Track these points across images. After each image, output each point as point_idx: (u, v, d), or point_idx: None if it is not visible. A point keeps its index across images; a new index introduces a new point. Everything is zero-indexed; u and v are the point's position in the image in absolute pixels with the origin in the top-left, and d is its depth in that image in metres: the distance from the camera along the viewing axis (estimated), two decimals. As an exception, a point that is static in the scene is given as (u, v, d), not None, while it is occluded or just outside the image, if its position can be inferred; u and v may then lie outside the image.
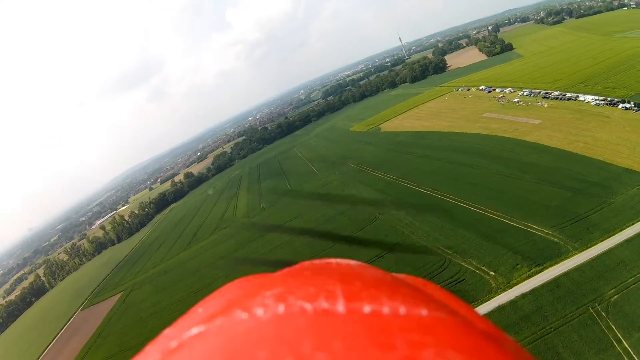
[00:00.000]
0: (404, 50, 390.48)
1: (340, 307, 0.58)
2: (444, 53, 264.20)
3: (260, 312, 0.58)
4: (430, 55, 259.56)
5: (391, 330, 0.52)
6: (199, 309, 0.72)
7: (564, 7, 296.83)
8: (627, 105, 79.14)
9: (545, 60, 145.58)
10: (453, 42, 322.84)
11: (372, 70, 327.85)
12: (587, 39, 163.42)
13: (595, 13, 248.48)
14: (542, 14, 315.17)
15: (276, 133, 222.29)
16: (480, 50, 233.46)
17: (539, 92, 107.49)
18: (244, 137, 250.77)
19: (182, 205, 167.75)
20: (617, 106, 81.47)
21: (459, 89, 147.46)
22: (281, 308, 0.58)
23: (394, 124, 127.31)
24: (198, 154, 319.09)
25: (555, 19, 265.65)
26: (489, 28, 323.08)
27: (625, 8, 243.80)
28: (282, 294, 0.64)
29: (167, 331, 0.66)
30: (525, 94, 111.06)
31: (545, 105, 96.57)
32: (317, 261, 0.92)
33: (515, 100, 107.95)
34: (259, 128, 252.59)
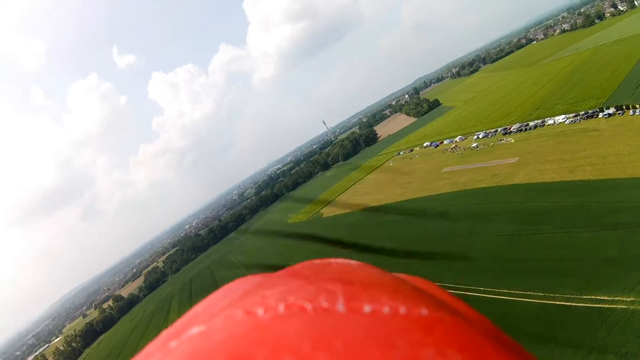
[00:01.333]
0: (330, 134, 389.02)
1: (341, 306, 0.59)
2: (371, 125, 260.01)
3: (260, 311, 0.59)
4: (358, 130, 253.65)
5: (391, 330, 0.53)
6: (199, 309, 0.74)
7: (475, 57, 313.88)
8: (610, 112, 71.45)
9: (483, 102, 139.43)
10: (377, 114, 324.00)
11: (302, 158, 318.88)
12: (515, 74, 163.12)
13: (507, 54, 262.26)
14: (454, 70, 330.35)
15: (209, 239, 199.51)
16: (408, 114, 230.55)
17: (496, 131, 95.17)
18: (177, 248, 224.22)
19: (111, 335, 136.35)
20: (597, 117, 73.38)
21: (401, 152, 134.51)
22: (281, 308, 0.59)
23: (338, 205, 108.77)
24: (134, 270, 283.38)
25: (470, 70, 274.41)
26: (408, 94, 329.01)
27: (534, 42, 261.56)
28: (282, 294, 0.64)
29: (167, 331, 0.67)
30: (480, 136, 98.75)
31: (512, 141, 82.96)
32: (317, 261, 0.92)
33: (474, 145, 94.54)
34: (192, 236, 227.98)
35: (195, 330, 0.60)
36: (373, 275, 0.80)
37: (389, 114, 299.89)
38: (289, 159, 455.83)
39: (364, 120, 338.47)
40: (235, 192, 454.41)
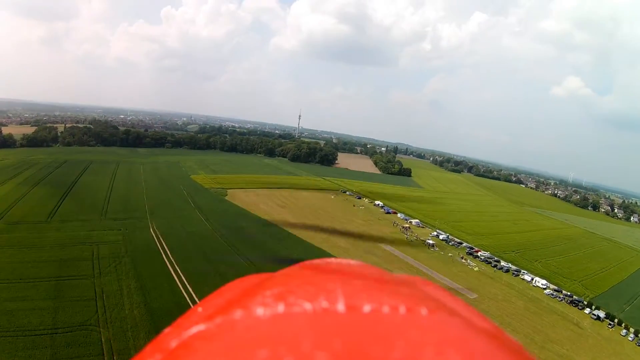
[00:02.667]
0: (296, 131, 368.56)
1: (340, 306, 0.59)
2: (337, 149, 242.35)
3: (260, 311, 0.59)
4: (322, 144, 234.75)
5: (391, 330, 0.53)
6: (199, 308, 0.73)
7: (462, 160, 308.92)
8: (600, 314, 58.58)
9: (455, 204, 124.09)
10: (348, 144, 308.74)
11: (258, 133, 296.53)
12: (496, 200, 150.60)
13: (494, 178, 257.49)
14: (438, 158, 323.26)
15: (120, 139, 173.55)
16: (376, 163, 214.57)
17: (461, 243, 78.38)
18: (88, 126, 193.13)
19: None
20: (581, 309, 60.40)
21: (347, 192, 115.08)
22: (281, 307, 0.59)
23: (249, 198, 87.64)
24: (36, 118, 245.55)
25: (454, 168, 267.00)
26: (386, 147, 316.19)
27: (523, 185, 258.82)
28: (282, 293, 0.64)
29: (167, 330, 0.67)
30: (441, 237, 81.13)
31: (476, 269, 65.53)
32: (317, 261, 0.93)
33: (429, 241, 75.85)
34: (110, 126, 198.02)
35: (195, 329, 0.61)
36: (373, 275, 0.81)
37: (359, 151, 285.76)
38: (248, 125, 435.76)
39: (334, 140, 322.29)
40: (185, 119, 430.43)
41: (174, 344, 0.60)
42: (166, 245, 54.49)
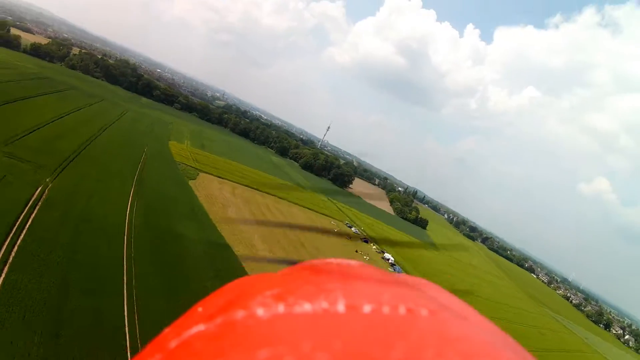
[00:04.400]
0: (321, 142, 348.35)
1: (341, 306, 0.58)
2: (355, 173, 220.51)
3: (260, 311, 0.59)
4: (340, 162, 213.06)
5: (391, 330, 0.53)
6: (199, 309, 0.73)
7: (478, 226, 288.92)
8: None
9: (470, 281, 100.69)
10: (368, 172, 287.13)
11: (283, 130, 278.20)
12: (515, 290, 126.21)
13: (507, 258, 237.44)
14: (453, 217, 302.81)
15: (129, 82, 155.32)
16: (391, 202, 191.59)
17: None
18: (104, 57, 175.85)
19: None
20: None
21: (353, 228, 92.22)
22: (281, 308, 0.59)
23: (220, 193, 64.85)
24: (58, 37, 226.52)
25: (469, 233, 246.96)
26: (406, 188, 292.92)
27: (533, 275, 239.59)
28: (282, 294, 0.64)
29: (167, 330, 0.66)
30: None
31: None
32: (317, 261, 0.93)
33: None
34: (125, 66, 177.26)
35: (195, 329, 0.60)
36: (373, 275, 0.80)
37: (376, 183, 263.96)
38: (275, 121, 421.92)
39: (355, 163, 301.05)
40: (217, 94, 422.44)
41: (174, 344, 0.59)
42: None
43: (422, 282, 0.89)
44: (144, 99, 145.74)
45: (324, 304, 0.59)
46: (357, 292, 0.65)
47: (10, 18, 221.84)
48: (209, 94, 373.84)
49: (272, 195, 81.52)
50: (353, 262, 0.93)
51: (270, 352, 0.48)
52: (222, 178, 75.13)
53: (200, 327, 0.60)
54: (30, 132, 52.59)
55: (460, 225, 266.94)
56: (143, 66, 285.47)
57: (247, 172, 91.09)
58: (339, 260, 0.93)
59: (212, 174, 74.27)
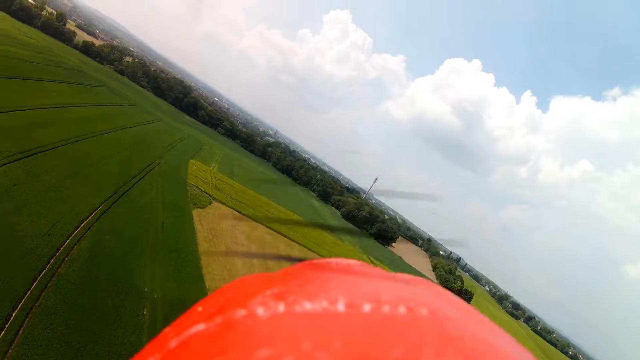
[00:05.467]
0: (366, 194, 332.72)
1: (341, 306, 0.58)
2: (399, 230, 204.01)
3: (260, 311, 0.59)
4: (385, 217, 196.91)
5: (391, 330, 0.53)
6: (199, 308, 0.73)
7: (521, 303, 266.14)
8: None
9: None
10: (411, 231, 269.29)
11: (330, 178, 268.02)
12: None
13: (551, 342, 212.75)
14: (495, 291, 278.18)
15: (175, 97, 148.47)
16: (434, 268, 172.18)
17: None
18: (156, 70, 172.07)
19: None
20: None
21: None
22: (281, 307, 0.59)
23: (229, 235, 49.03)
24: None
25: (512, 311, 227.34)
26: (449, 254, 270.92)
27: None
28: (282, 293, 0.64)
29: (167, 330, 0.67)
30: None
31: None
32: (317, 261, 0.92)
33: None
34: (176, 81, 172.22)
35: (195, 329, 0.60)
36: (373, 275, 0.80)
37: (419, 244, 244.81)
38: (324, 167, 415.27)
39: (399, 220, 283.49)
40: (270, 131, 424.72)
41: (173, 343, 0.60)
42: None
43: (422, 281, 0.88)
44: (186, 117, 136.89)
45: (324, 304, 0.59)
46: (357, 291, 0.65)
47: (81, 21, 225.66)
48: (261, 129, 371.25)
49: (300, 244, 64.84)
50: (353, 262, 0.92)
51: (270, 351, 0.47)
52: (241, 213, 59.11)
53: (200, 327, 0.60)
54: (9, 111, 41.27)
55: (503, 300, 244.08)
56: (200, 91, 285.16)
57: (277, 211, 77.03)
58: (338, 260, 0.92)
59: (228, 206, 59.02)
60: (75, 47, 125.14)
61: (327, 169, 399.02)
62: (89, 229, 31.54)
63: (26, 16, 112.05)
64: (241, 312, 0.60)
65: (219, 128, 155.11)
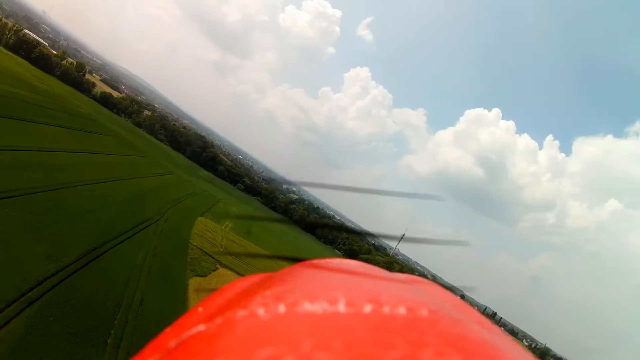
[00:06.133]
0: (393, 250, 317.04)
1: (341, 306, 0.58)
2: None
3: (260, 311, 0.59)
4: (415, 273, 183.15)
5: (391, 330, 0.53)
6: (199, 309, 0.74)
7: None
8: None
9: None
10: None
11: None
12: None
13: None
14: (534, 345, 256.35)
15: (193, 152, 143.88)
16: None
17: None
18: (174, 124, 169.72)
19: None
20: None
21: None
22: (281, 307, 0.59)
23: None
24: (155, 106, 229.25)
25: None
26: (486, 308, 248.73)
27: None
28: (283, 293, 0.64)
29: (167, 330, 0.67)
30: None
31: None
32: (317, 261, 0.92)
33: None
34: (196, 136, 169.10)
35: (195, 330, 0.60)
36: (373, 275, 0.80)
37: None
38: (349, 223, 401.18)
39: (428, 277, 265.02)
40: (293, 188, 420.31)
41: (173, 343, 0.60)
42: None
43: (422, 281, 0.88)
44: (203, 172, 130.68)
45: (324, 304, 0.59)
46: (357, 291, 0.65)
47: (105, 76, 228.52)
48: (285, 186, 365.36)
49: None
50: (353, 262, 0.92)
51: (270, 351, 0.48)
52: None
53: (201, 327, 0.60)
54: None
55: (545, 355, 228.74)
56: (223, 148, 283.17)
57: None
58: (339, 260, 0.92)
59: (237, 272, 48.44)
60: (94, 97, 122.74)
61: (352, 225, 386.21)
62: (29, 304, 22.59)
63: (46, 65, 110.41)
64: (241, 313, 0.60)
65: (239, 184, 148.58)
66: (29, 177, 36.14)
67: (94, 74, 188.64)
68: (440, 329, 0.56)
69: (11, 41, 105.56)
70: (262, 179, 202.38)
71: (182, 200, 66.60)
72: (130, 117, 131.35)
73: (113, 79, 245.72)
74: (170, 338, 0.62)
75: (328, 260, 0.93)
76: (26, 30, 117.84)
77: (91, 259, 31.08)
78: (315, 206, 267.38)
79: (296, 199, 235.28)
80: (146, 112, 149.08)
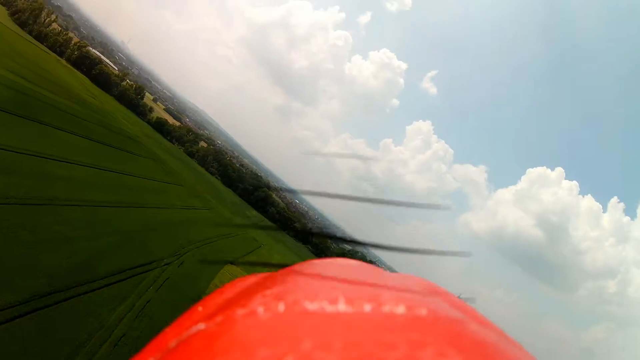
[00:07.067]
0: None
1: (341, 306, 0.59)
2: None
3: (260, 310, 0.59)
4: None
5: (391, 329, 0.53)
6: (199, 308, 0.74)
7: None
8: None
9: None
10: None
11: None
12: None
13: None
14: None
15: (243, 189, 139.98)
16: None
17: None
18: (230, 159, 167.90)
19: None
20: None
21: None
22: (281, 307, 0.59)
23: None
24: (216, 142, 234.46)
25: None
26: None
27: None
28: (282, 293, 0.65)
29: (167, 330, 0.68)
30: None
31: None
32: (317, 260, 0.93)
33: None
34: (250, 175, 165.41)
35: (195, 329, 0.61)
36: (373, 275, 0.81)
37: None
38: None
39: None
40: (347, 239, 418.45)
41: (173, 343, 0.60)
42: None
43: (422, 281, 0.88)
44: (252, 212, 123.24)
45: (325, 303, 0.60)
46: (357, 291, 0.66)
47: (170, 106, 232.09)
48: (340, 235, 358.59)
49: None
50: (353, 262, 0.93)
51: (270, 351, 0.48)
52: None
53: (201, 327, 0.60)
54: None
55: None
56: (280, 192, 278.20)
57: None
58: (339, 260, 0.93)
59: None
60: (148, 121, 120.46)
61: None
62: None
63: (105, 83, 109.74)
64: (241, 312, 0.60)
65: (289, 229, 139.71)
66: (30, 184, 29.28)
67: (158, 103, 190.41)
68: (441, 328, 0.56)
69: (74, 56, 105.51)
70: (316, 226, 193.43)
71: (212, 241, 57.58)
72: (184, 147, 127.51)
73: (178, 111, 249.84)
74: (170, 337, 0.63)
75: (328, 259, 0.93)
76: (90, 47, 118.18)
77: (62, 300, 22.39)
78: (369, 260, 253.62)
79: (349, 250, 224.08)
80: (202, 144, 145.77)
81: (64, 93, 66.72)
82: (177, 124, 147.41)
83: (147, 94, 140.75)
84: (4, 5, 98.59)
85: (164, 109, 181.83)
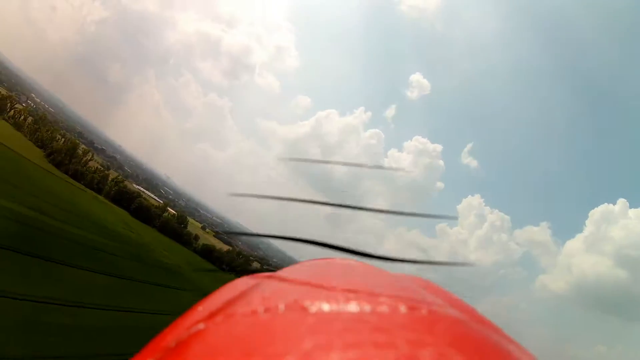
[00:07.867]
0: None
1: (341, 305, 0.59)
2: None
3: (260, 310, 0.60)
4: None
5: (391, 329, 0.53)
6: (200, 308, 0.74)
7: None
8: None
9: None
10: None
11: None
12: None
13: None
14: None
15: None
16: None
17: None
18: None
19: None
20: None
21: None
22: (282, 306, 0.60)
23: None
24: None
25: None
26: None
27: None
28: (283, 293, 0.66)
29: (167, 330, 0.68)
30: None
31: None
32: (317, 260, 0.94)
33: None
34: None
35: (195, 329, 0.61)
36: (373, 275, 0.82)
37: None
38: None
39: None
40: None
41: (173, 343, 0.60)
42: None
43: (422, 281, 0.89)
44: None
45: (324, 303, 0.60)
46: (358, 290, 0.66)
47: (220, 232, 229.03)
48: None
49: None
50: (352, 261, 0.94)
51: (270, 351, 0.48)
52: None
53: (201, 326, 0.61)
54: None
55: None
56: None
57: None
58: (339, 260, 0.94)
59: None
60: (194, 249, 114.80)
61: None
62: None
63: (145, 217, 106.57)
64: (241, 312, 0.60)
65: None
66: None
67: (207, 230, 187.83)
68: (441, 328, 0.56)
69: (112, 192, 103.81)
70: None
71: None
72: (235, 271, 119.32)
73: (229, 235, 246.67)
74: (170, 337, 0.62)
75: (328, 259, 0.94)
76: (128, 182, 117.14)
77: None
78: None
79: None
80: (255, 264, 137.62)
81: (93, 227, 63.92)
82: (227, 248, 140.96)
83: (193, 221, 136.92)
84: (40, 148, 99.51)
85: (213, 235, 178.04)
